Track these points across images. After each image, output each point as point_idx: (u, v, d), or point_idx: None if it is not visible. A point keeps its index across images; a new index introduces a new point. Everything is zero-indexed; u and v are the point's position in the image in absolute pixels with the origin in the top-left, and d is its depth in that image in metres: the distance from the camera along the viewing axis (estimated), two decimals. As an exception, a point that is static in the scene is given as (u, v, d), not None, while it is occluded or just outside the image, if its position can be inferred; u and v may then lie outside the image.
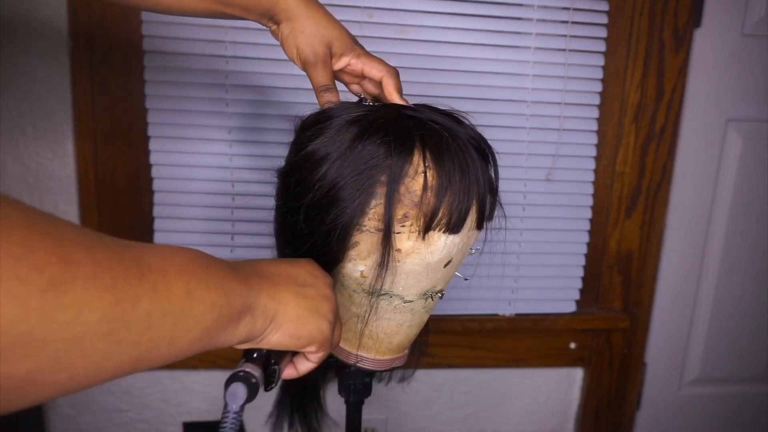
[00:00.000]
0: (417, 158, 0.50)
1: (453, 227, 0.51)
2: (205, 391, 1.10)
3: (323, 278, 0.47)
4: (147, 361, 0.33)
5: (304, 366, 0.49)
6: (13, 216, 0.26)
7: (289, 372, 0.50)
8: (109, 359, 0.30)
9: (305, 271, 0.46)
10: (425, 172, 0.49)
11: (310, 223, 0.52)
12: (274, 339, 0.42)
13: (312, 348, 0.45)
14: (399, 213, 0.50)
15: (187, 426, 1.01)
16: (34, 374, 0.27)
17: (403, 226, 0.50)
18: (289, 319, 0.42)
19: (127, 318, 0.30)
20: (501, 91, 1.02)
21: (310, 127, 0.55)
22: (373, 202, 0.50)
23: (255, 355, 0.46)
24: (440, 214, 0.50)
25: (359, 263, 0.52)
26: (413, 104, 0.58)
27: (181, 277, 0.34)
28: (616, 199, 1.11)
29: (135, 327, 0.31)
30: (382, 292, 0.53)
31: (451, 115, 0.55)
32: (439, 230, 0.51)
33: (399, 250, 0.51)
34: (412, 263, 0.52)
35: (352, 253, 0.52)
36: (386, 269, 0.51)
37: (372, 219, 0.50)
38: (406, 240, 0.51)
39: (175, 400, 1.10)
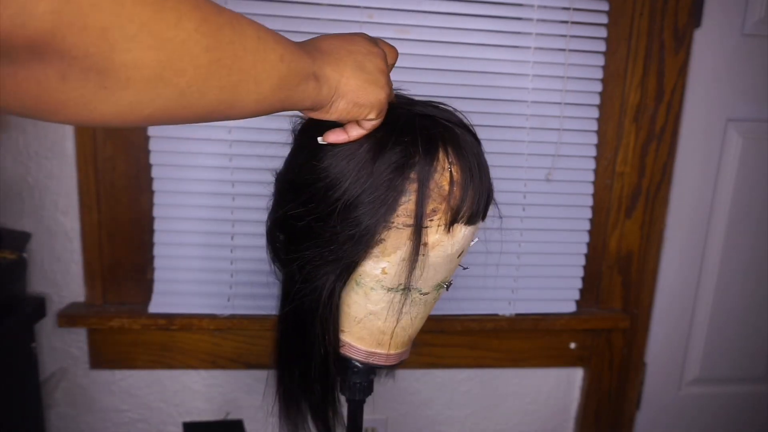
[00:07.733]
0: (442, 155, 0.52)
1: (472, 218, 0.54)
2: (205, 391, 1.10)
3: (379, 53, 0.50)
4: (239, 96, 0.38)
5: (355, 131, 0.51)
6: None
7: (337, 136, 0.51)
8: (211, 76, 0.36)
9: (362, 47, 0.49)
10: (450, 168, 0.52)
11: (337, 227, 0.52)
12: (341, 106, 0.47)
13: (372, 115, 0.49)
14: (428, 208, 0.52)
15: (187, 426, 1.01)
16: (161, 67, 0.33)
17: (431, 220, 0.52)
18: (351, 89, 0.46)
19: (217, 38, 0.35)
20: (501, 91, 1.02)
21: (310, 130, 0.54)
22: (403, 199, 0.51)
23: None
24: (465, 207, 0.53)
25: (382, 260, 0.53)
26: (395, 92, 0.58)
27: (252, 26, 0.39)
28: (616, 199, 1.11)
29: (224, 50, 0.36)
30: (404, 287, 0.54)
31: (438, 108, 0.56)
32: (462, 222, 0.53)
33: (425, 244, 0.53)
34: (436, 256, 0.54)
35: (376, 250, 0.53)
36: (416, 264, 0.53)
37: (401, 215, 0.51)
38: (433, 233, 0.53)
39: (175, 400, 1.10)
